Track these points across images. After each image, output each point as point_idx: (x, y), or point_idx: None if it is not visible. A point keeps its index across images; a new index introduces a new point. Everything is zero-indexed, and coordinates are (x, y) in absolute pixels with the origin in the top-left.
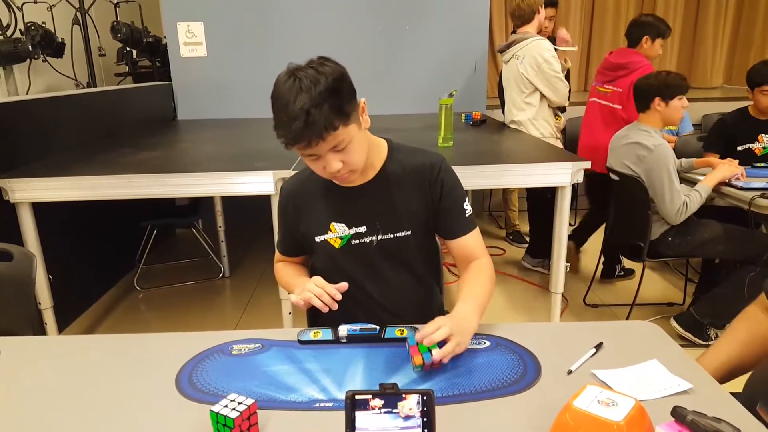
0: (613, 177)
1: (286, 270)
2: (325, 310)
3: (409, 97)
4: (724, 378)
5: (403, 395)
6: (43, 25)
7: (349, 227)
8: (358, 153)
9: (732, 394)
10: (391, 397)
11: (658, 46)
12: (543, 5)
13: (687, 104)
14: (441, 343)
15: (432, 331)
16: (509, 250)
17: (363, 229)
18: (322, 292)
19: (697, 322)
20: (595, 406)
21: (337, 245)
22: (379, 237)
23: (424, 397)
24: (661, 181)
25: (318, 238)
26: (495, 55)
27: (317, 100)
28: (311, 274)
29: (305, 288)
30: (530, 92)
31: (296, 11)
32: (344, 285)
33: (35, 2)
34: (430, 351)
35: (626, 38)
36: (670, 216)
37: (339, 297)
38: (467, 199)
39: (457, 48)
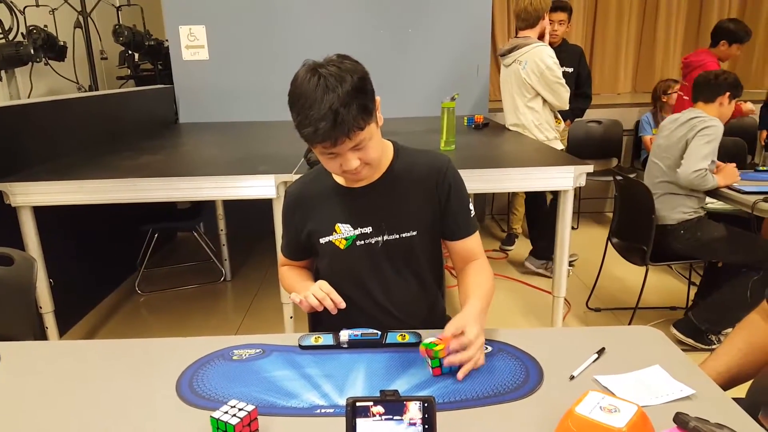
0: (619, 179)
1: (291, 274)
2: (320, 309)
3: (411, 100)
4: (724, 386)
5: (405, 402)
6: (45, 29)
7: (355, 228)
8: (374, 150)
9: (735, 399)
10: (392, 404)
11: (735, 49)
12: (547, 12)
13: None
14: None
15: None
16: (511, 253)
17: (368, 229)
18: (325, 296)
19: (697, 328)
20: (597, 413)
21: (342, 246)
22: (385, 237)
23: (426, 404)
24: (701, 141)
25: (323, 240)
26: (497, 57)
27: (345, 99)
28: (316, 277)
29: (309, 290)
30: (532, 97)
31: (298, 15)
32: (342, 304)
33: (37, 6)
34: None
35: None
36: (688, 173)
37: (342, 306)
38: (470, 200)
39: (460, 51)
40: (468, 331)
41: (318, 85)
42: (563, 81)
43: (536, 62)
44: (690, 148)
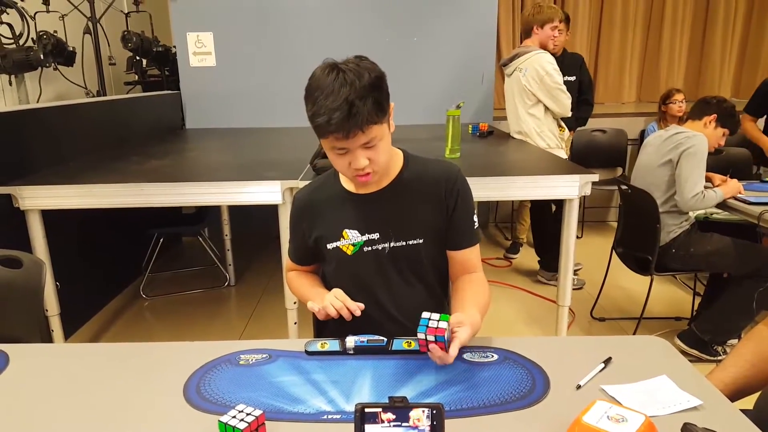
0: (624, 188)
1: (300, 280)
2: (337, 317)
3: (416, 108)
4: (732, 397)
5: (413, 408)
6: (55, 34)
7: (362, 234)
8: (384, 153)
9: (742, 411)
10: (400, 410)
11: None
12: (542, 25)
13: (723, 144)
14: (439, 337)
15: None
16: (515, 261)
17: (376, 236)
18: (342, 306)
19: (701, 339)
20: (604, 422)
21: (349, 252)
22: (392, 244)
23: (434, 411)
24: (690, 164)
25: (330, 245)
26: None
27: (361, 92)
28: (322, 282)
29: (326, 299)
30: (533, 104)
31: (305, 23)
32: (362, 305)
33: (48, 12)
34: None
35: None
36: (686, 199)
37: (358, 313)
38: (475, 210)
39: (465, 59)
40: (459, 333)
41: (336, 78)
42: (563, 87)
43: (536, 69)
44: (680, 174)
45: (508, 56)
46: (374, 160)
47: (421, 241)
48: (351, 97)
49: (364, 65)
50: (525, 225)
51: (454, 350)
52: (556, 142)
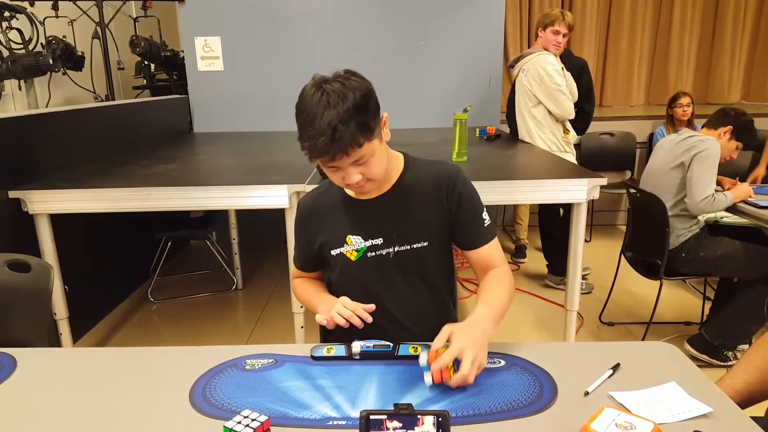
0: (632, 192)
1: (305, 287)
2: (347, 326)
3: (423, 111)
4: (742, 404)
5: (419, 416)
6: (64, 39)
7: (366, 239)
8: (377, 165)
9: (753, 418)
10: (406, 417)
11: None
12: (544, 28)
13: (736, 156)
14: (456, 361)
15: (439, 345)
16: (523, 265)
17: (379, 241)
18: (352, 314)
19: (711, 344)
20: (612, 430)
21: (353, 258)
22: (396, 249)
23: (440, 418)
24: (702, 167)
25: (334, 252)
26: (509, 69)
27: (344, 116)
28: (328, 288)
29: (334, 308)
30: (534, 105)
31: (312, 27)
32: (372, 306)
33: (57, 17)
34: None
35: None
36: (697, 202)
37: (370, 320)
38: (485, 209)
39: (472, 63)
40: (447, 332)
41: (320, 100)
42: (564, 89)
43: (537, 69)
44: (692, 177)
45: (515, 57)
46: (367, 174)
47: (426, 244)
48: (334, 122)
49: (350, 84)
50: (523, 224)
51: (465, 371)
52: (557, 145)
